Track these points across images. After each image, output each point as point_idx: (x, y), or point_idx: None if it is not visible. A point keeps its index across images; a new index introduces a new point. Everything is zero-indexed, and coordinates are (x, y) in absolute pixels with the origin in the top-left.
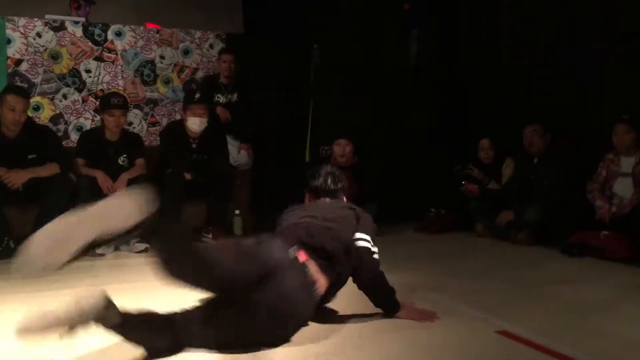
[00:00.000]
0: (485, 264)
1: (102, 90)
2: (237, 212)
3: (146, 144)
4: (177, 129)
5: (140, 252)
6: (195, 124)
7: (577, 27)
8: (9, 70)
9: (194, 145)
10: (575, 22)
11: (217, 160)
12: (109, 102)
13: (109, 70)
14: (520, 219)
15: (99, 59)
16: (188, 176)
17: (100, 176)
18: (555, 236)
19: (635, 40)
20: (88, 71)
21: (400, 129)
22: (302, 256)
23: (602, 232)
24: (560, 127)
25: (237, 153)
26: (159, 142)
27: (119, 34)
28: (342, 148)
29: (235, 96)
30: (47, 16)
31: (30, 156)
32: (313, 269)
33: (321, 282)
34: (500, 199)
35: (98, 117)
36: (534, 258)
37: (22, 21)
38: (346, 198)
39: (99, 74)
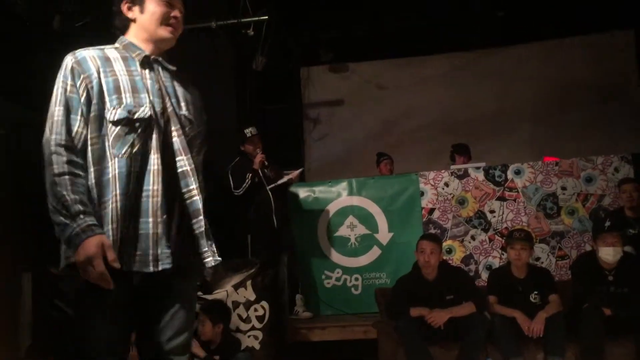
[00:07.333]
0: None
1: (506, 228)
2: None
3: (556, 278)
4: (588, 260)
5: None
6: (609, 254)
7: None
8: (424, 219)
9: (610, 278)
10: None
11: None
12: (511, 236)
13: (512, 208)
14: None
15: (501, 198)
16: (607, 312)
17: (520, 317)
18: None
19: None
20: (492, 211)
21: None
22: None
23: None
24: None
25: None
26: (569, 276)
27: (518, 172)
28: None
29: None
30: (451, 167)
31: (448, 297)
32: None
33: None
34: None
35: (505, 255)
36: None
37: (431, 174)
38: None
39: (503, 213)
